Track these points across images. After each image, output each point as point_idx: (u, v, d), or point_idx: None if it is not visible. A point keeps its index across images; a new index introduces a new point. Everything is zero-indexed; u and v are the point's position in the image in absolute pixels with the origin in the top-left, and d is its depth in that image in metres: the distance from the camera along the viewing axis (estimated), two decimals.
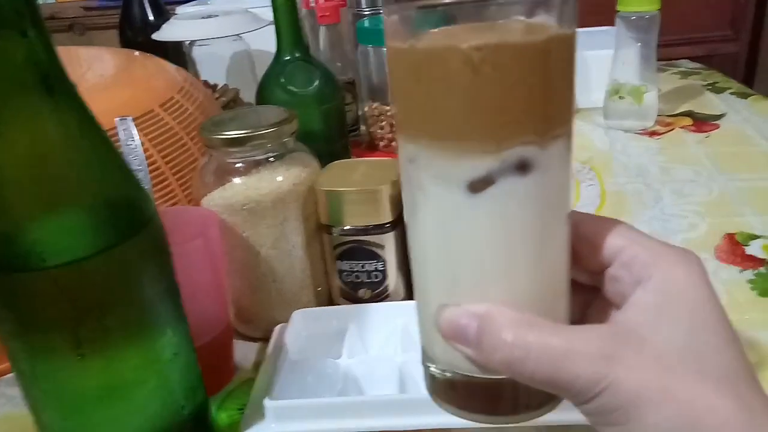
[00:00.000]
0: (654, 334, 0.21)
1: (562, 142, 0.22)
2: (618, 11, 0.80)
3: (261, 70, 1.02)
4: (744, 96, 0.91)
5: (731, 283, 0.49)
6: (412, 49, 0.21)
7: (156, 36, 0.90)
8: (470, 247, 0.22)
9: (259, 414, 0.38)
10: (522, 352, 0.21)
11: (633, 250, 0.23)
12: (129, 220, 0.31)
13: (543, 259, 0.23)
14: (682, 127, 0.83)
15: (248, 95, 0.96)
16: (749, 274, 0.50)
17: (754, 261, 0.52)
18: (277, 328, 0.46)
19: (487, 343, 0.22)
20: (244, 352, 0.48)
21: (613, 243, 0.24)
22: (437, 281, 0.24)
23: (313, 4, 0.92)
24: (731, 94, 0.93)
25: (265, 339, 0.48)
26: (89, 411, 0.32)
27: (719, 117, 0.84)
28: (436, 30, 0.21)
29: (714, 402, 0.19)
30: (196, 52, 0.98)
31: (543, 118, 0.21)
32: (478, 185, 0.21)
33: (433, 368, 0.26)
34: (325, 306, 0.49)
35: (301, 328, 0.45)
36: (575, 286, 0.25)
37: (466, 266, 0.23)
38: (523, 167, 0.21)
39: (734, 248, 0.54)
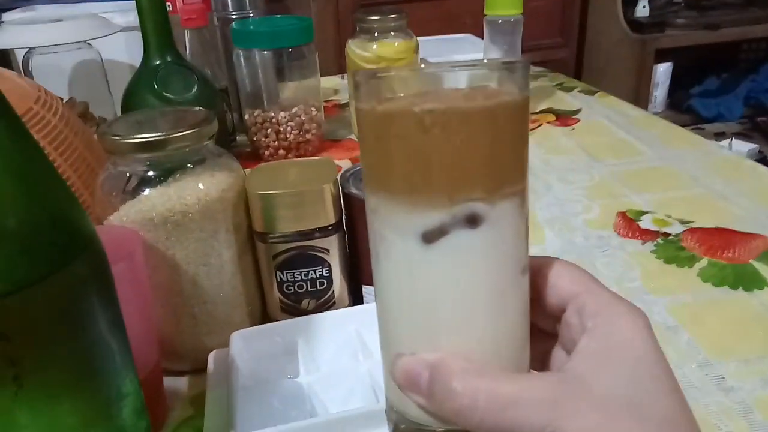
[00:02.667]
0: (598, 381, 0.21)
1: (514, 200, 0.23)
2: (485, 15, 0.85)
3: (115, 81, 0.93)
4: (591, 93, 1.01)
5: (638, 255, 0.54)
6: (373, 110, 0.23)
7: None
8: (424, 296, 0.23)
9: None
10: (470, 401, 0.21)
11: (584, 298, 0.24)
12: (68, 241, 0.25)
13: (497, 310, 0.23)
14: (548, 123, 0.89)
15: (100, 109, 0.86)
16: (650, 245, 0.55)
17: (650, 234, 0.57)
18: (212, 354, 0.41)
19: (438, 392, 0.22)
20: (172, 388, 0.41)
21: (570, 288, 0.24)
22: (395, 331, 0.25)
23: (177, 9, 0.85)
24: (579, 92, 1.03)
25: (193, 371, 0.43)
26: None
27: (577, 112, 0.93)
28: (398, 95, 0.23)
29: None
30: (35, 63, 0.86)
31: (491, 177, 0.22)
32: (431, 236, 0.22)
33: (394, 418, 0.26)
34: (258, 325, 0.44)
35: (242, 350, 0.40)
36: (538, 334, 0.26)
37: (420, 315, 0.24)
38: (473, 221, 0.22)
39: (629, 224, 0.59)
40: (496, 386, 0.21)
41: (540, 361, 0.26)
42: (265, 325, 0.42)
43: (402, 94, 0.23)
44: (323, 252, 0.42)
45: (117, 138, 0.37)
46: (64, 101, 0.84)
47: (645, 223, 0.59)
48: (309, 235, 0.41)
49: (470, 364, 0.22)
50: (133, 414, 0.29)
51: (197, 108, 0.42)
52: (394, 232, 0.23)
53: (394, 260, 0.24)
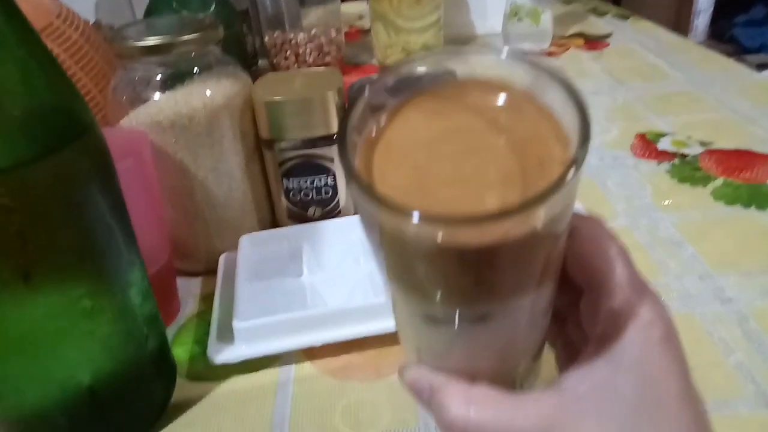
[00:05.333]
0: (597, 408, 0.20)
1: (535, 295, 0.20)
2: None
3: (139, 3, 0.93)
4: (624, 18, 0.97)
5: (652, 174, 0.53)
6: (373, 216, 0.19)
7: None
8: (429, 347, 0.23)
9: (226, 339, 0.35)
10: (462, 427, 0.22)
11: (602, 293, 0.22)
12: (67, 125, 0.26)
13: (503, 358, 0.23)
14: (576, 47, 0.86)
15: None
16: (666, 165, 0.54)
17: (667, 155, 0.56)
18: (223, 256, 0.43)
19: (435, 410, 0.23)
20: (186, 287, 0.44)
21: (592, 272, 0.22)
22: (405, 346, 0.25)
23: None
24: (613, 16, 0.99)
25: (207, 272, 0.45)
26: (42, 349, 0.27)
27: (607, 36, 0.89)
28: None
29: None
30: None
31: (502, 293, 0.20)
32: (436, 320, 0.21)
33: None
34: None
35: (252, 252, 0.41)
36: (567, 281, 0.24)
37: (425, 349, 0.24)
38: (480, 318, 0.20)
39: (647, 145, 0.57)
40: (488, 415, 0.21)
41: (564, 308, 0.25)
42: (272, 230, 0.43)
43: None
44: (328, 161, 0.42)
45: (125, 42, 0.38)
46: (91, 23, 0.85)
47: (663, 144, 0.57)
48: (314, 143, 0.42)
49: (468, 387, 0.22)
50: (139, 296, 0.31)
51: (204, 15, 0.42)
52: (401, 301, 0.22)
53: (403, 315, 0.23)
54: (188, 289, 0.44)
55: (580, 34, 0.91)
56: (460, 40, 0.93)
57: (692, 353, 0.35)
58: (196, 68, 0.40)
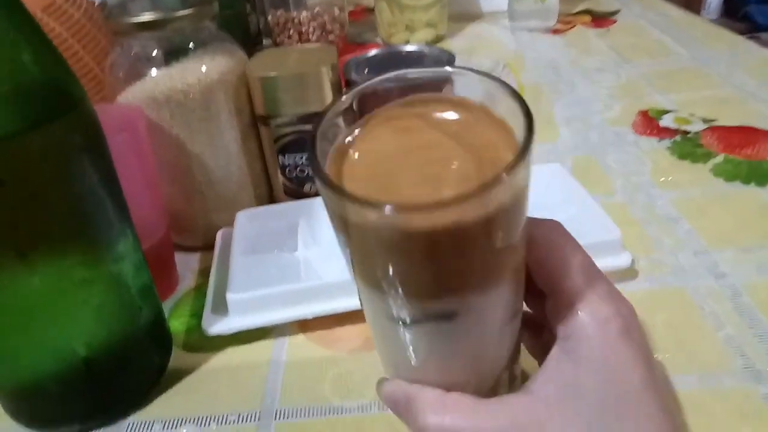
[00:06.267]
0: (563, 407, 0.21)
1: (498, 290, 0.21)
2: None
3: None
4: None
5: (652, 151, 0.52)
6: (337, 202, 0.20)
7: None
8: (405, 355, 0.24)
9: (220, 311, 0.36)
10: None
11: (559, 298, 0.23)
12: (57, 99, 0.26)
13: (475, 361, 0.24)
14: (582, 24, 0.85)
15: None
16: (667, 142, 0.53)
17: (669, 132, 0.55)
18: (220, 231, 0.43)
19: (411, 420, 0.24)
20: (184, 262, 0.44)
21: (550, 278, 0.23)
22: (381, 356, 0.27)
23: None
24: None
25: (205, 248, 0.45)
26: (37, 320, 0.28)
27: (615, 13, 0.88)
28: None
29: None
30: None
31: (457, 289, 0.20)
32: (404, 321, 0.22)
33: None
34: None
35: (248, 228, 0.42)
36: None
37: (400, 361, 0.25)
38: (446, 316, 0.21)
39: (649, 122, 0.57)
40: (460, 422, 0.22)
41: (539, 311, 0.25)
42: (268, 206, 0.44)
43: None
44: None
45: (120, 18, 0.39)
46: (96, 4, 0.86)
47: (665, 121, 0.57)
48: (308, 119, 0.42)
49: (440, 396, 0.23)
50: (132, 267, 0.31)
51: None
52: (371, 303, 0.23)
53: (374, 322, 0.24)
54: (187, 263, 0.44)
55: (587, 11, 0.90)
56: (466, 17, 0.92)
57: (681, 327, 0.35)
58: (191, 44, 0.41)
